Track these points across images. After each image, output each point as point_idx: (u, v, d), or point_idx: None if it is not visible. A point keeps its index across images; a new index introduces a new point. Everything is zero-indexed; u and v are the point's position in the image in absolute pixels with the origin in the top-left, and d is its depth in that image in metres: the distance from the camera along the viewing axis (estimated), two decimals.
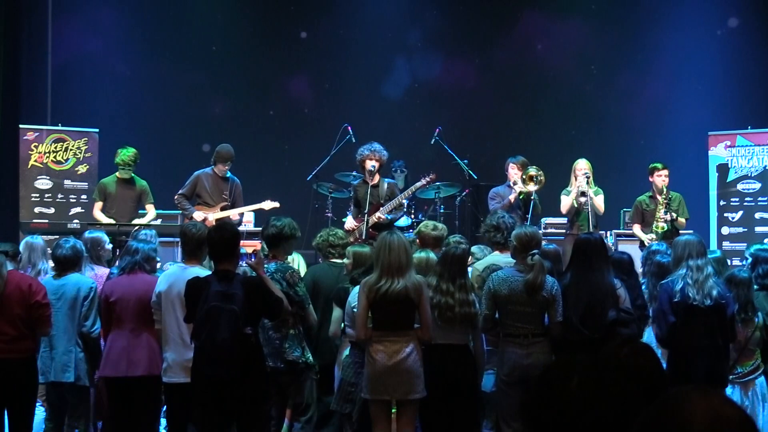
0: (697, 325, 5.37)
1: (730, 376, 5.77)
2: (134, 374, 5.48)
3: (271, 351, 5.56)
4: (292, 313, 5.56)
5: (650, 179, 8.88)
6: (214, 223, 8.51)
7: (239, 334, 4.78)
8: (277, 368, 5.57)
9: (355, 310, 5.30)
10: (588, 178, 8.66)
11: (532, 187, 8.67)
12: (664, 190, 8.71)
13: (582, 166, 8.76)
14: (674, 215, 8.60)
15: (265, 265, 5.61)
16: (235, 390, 4.81)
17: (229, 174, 8.82)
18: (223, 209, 8.70)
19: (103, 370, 5.61)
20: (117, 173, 8.95)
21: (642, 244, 8.64)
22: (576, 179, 8.72)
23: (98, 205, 8.94)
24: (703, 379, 5.32)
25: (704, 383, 5.21)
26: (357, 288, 5.39)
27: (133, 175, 8.98)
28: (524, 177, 8.75)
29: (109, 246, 6.63)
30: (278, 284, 5.48)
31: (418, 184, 8.81)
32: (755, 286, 6.05)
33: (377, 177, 8.63)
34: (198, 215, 8.46)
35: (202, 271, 5.39)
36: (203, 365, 4.80)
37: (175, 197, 8.82)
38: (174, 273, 5.51)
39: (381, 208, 8.50)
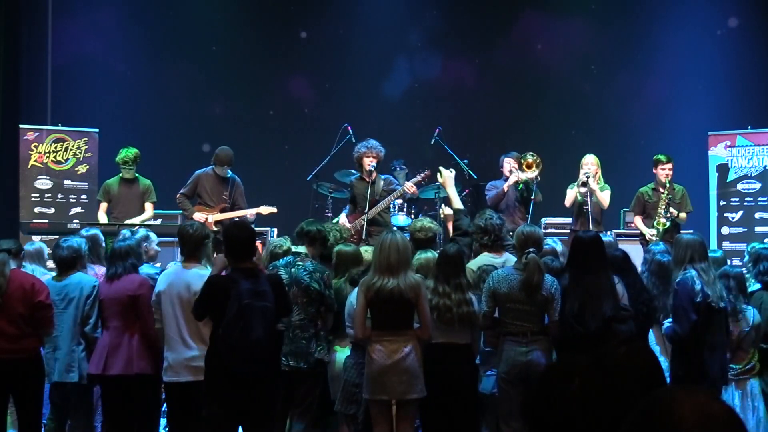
0: (713, 323, 5.46)
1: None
2: (109, 373, 5.50)
3: (294, 350, 5.51)
4: (320, 314, 5.59)
5: (654, 171, 8.88)
6: (213, 226, 8.53)
7: (273, 331, 4.81)
8: (299, 368, 5.51)
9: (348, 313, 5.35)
10: (588, 176, 8.65)
11: (530, 174, 8.68)
12: (667, 183, 8.71)
13: (587, 161, 8.79)
14: (675, 212, 8.59)
15: (302, 264, 5.65)
16: (255, 388, 4.80)
17: (230, 173, 8.81)
18: (222, 211, 8.68)
19: (89, 367, 5.65)
20: (121, 174, 8.98)
21: (643, 237, 8.64)
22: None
23: (103, 206, 8.99)
24: (718, 377, 5.39)
25: (719, 380, 5.30)
26: (352, 296, 5.40)
27: (137, 174, 9.01)
28: (522, 163, 8.75)
29: (104, 244, 6.63)
30: (316, 284, 5.53)
31: (414, 180, 8.81)
32: (758, 285, 6.07)
33: (374, 173, 8.65)
34: (198, 216, 8.43)
35: (202, 271, 5.40)
36: (236, 363, 4.72)
37: (177, 196, 8.84)
38: (173, 273, 5.51)
39: (378, 204, 8.51)
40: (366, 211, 8.40)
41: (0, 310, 5.25)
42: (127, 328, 5.54)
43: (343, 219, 8.64)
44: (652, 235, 8.52)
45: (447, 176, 6.96)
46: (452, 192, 6.82)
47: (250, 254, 4.97)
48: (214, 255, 6.53)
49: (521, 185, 8.76)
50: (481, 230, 6.06)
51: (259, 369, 4.74)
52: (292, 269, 5.61)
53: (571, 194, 8.77)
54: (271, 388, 4.90)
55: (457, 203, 6.67)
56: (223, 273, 4.99)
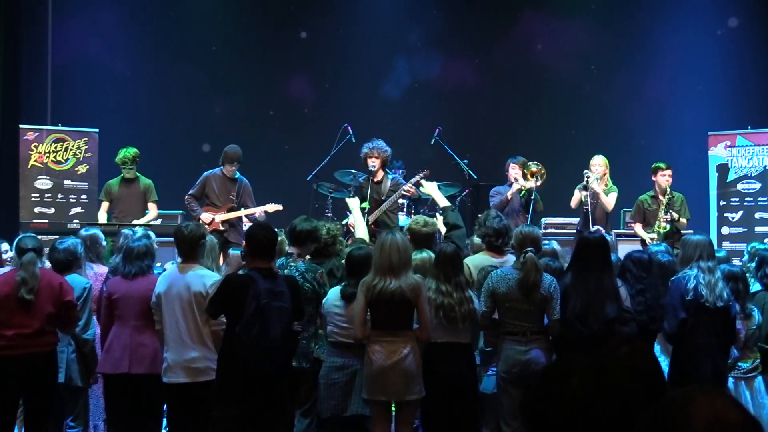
0: (706, 324, 5.44)
1: (735, 373, 5.83)
2: (137, 371, 5.46)
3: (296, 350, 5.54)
4: (319, 313, 5.58)
5: (653, 178, 8.88)
6: (220, 225, 8.57)
7: (290, 331, 4.81)
8: (301, 368, 5.50)
9: (330, 312, 5.32)
10: (588, 176, 8.67)
11: (532, 183, 8.70)
12: (667, 190, 8.71)
13: (594, 161, 8.81)
14: (676, 215, 8.60)
15: (294, 264, 5.63)
16: (271, 388, 4.79)
17: (237, 174, 8.84)
18: (229, 210, 8.71)
19: (102, 367, 5.60)
20: (122, 174, 9.01)
21: (644, 244, 8.64)
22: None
23: (104, 205, 9.03)
24: (708, 376, 5.39)
25: (709, 381, 5.29)
26: (332, 293, 5.34)
27: (138, 174, 9.03)
28: (526, 172, 8.77)
29: (105, 243, 6.62)
30: (308, 284, 5.52)
31: (413, 180, 8.81)
32: (760, 287, 6.08)
33: (381, 173, 8.65)
34: (205, 217, 8.51)
35: (201, 271, 5.39)
36: (252, 362, 4.70)
37: (186, 198, 8.86)
38: (172, 274, 5.50)
39: (382, 204, 8.51)
40: (367, 214, 8.40)
41: (30, 307, 5.26)
42: (147, 326, 5.50)
43: (352, 219, 8.65)
44: (652, 239, 8.52)
45: (429, 186, 7.15)
46: (437, 195, 6.90)
47: (270, 256, 4.97)
48: (221, 255, 6.52)
49: (523, 192, 8.78)
50: (495, 232, 6.01)
51: (274, 368, 4.74)
52: (285, 271, 5.60)
53: (576, 196, 8.77)
54: (283, 388, 4.89)
55: (444, 202, 6.69)
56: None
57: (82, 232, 6.50)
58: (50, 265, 5.85)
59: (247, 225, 8.40)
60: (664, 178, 8.77)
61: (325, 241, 5.98)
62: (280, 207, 8.82)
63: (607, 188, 8.83)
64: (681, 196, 8.85)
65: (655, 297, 5.56)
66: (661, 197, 8.72)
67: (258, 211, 8.74)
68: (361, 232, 7.20)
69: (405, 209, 9.43)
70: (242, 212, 8.74)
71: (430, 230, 6.14)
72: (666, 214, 8.60)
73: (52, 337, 5.40)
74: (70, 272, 5.76)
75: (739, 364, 5.85)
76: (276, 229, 5.35)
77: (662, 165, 8.85)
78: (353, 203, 7.68)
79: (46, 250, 6.39)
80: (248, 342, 4.70)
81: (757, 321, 5.84)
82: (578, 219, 9.00)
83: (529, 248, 5.38)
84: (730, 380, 5.79)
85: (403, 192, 8.57)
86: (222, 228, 8.57)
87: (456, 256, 5.43)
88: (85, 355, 5.74)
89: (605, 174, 8.81)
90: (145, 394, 5.49)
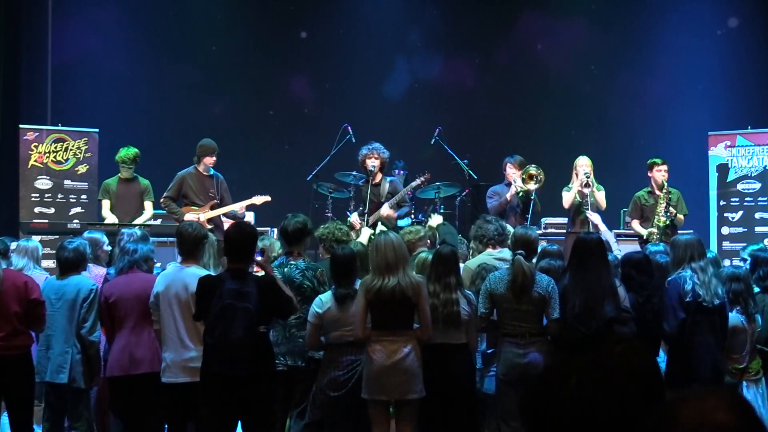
0: (705, 323, 5.48)
1: (746, 376, 5.80)
2: (136, 372, 5.46)
3: (291, 349, 5.50)
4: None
5: (649, 174, 8.88)
6: (207, 224, 8.49)
7: (254, 332, 4.75)
8: (296, 366, 5.50)
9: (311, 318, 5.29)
10: (589, 177, 8.67)
11: (532, 186, 8.70)
12: (664, 185, 8.71)
13: (583, 162, 8.78)
14: (674, 212, 8.60)
15: (294, 262, 5.62)
16: (245, 389, 4.77)
17: (212, 171, 8.75)
18: (212, 208, 8.60)
19: (110, 371, 5.59)
20: (120, 173, 8.99)
21: (641, 240, 8.64)
22: (577, 176, 8.73)
23: (106, 203, 8.98)
24: (708, 375, 5.41)
25: (710, 379, 5.30)
26: (327, 301, 5.33)
27: (136, 174, 9.01)
28: (524, 176, 8.78)
29: (108, 248, 6.63)
30: (308, 282, 5.50)
31: (413, 183, 8.83)
32: (757, 288, 6.08)
33: (379, 176, 8.66)
34: (189, 217, 8.29)
35: (199, 271, 5.39)
36: (216, 363, 4.72)
37: (162, 200, 8.72)
38: (171, 273, 5.50)
39: (383, 206, 8.52)
40: (366, 213, 8.42)
41: None
42: (146, 325, 5.50)
43: (354, 217, 8.66)
44: (651, 233, 8.52)
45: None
46: None
47: (244, 256, 4.93)
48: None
49: (521, 193, 8.78)
50: (492, 237, 6.18)
51: (238, 369, 4.69)
52: (285, 269, 5.59)
53: (570, 196, 8.73)
54: (259, 389, 4.85)
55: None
56: None
57: (85, 234, 6.52)
58: (57, 264, 5.87)
59: (228, 224, 8.28)
60: (660, 174, 8.77)
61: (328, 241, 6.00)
62: (268, 198, 8.73)
63: (594, 187, 8.81)
64: (677, 192, 8.85)
65: (661, 300, 5.56)
66: (658, 192, 8.72)
67: (242, 205, 8.68)
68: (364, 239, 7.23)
69: (409, 206, 9.45)
70: (226, 209, 8.61)
71: (412, 238, 6.24)
72: (666, 213, 8.59)
73: (24, 339, 5.42)
74: (77, 272, 5.78)
75: (750, 367, 5.80)
76: (270, 230, 5.34)
77: (658, 161, 8.86)
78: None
79: (44, 251, 6.42)
80: (212, 343, 4.72)
81: (760, 322, 5.82)
82: (567, 219, 9.01)
83: (519, 251, 5.39)
84: (743, 384, 5.79)
85: (402, 195, 8.62)
86: (209, 227, 8.47)
87: (451, 256, 5.43)
88: (91, 356, 5.75)
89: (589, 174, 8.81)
90: (146, 393, 5.48)
